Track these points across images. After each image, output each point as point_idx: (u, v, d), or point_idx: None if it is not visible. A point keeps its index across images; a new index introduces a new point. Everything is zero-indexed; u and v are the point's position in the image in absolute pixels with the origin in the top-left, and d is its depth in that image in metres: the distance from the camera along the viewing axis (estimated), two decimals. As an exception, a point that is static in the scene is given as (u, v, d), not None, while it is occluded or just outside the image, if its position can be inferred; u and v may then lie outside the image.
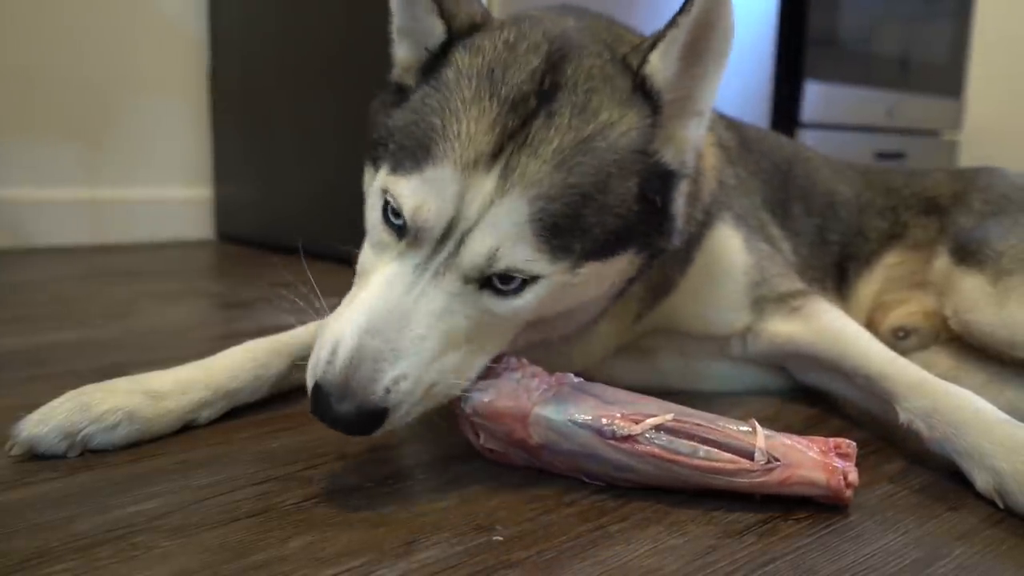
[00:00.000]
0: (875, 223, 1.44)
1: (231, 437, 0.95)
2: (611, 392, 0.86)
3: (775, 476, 0.79)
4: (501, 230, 0.78)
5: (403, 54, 0.93)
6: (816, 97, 2.84)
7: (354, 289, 0.86)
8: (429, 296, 0.79)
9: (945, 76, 3.49)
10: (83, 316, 1.57)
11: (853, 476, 0.80)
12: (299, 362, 1.08)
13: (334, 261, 2.39)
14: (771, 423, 1.08)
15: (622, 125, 0.84)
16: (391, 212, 0.82)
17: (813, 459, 0.80)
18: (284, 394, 1.09)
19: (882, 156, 3.19)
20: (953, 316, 1.24)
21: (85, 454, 0.87)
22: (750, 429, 0.82)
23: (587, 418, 0.82)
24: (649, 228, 0.89)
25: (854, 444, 0.82)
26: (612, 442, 0.81)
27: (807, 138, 2.82)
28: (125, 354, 1.30)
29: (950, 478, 0.90)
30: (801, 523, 0.79)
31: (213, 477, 0.84)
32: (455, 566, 0.69)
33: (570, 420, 0.82)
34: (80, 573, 0.65)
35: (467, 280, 0.80)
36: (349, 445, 0.94)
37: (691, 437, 0.81)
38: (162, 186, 2.63)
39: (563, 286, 0.84)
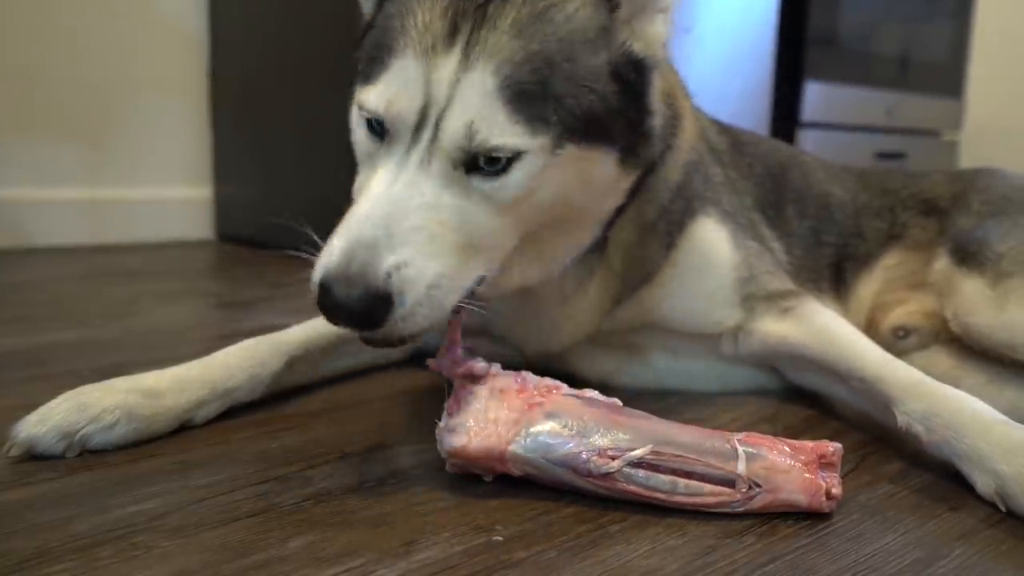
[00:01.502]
0: (873, 224, 1.44)
1: (230, 437, 0.95)
2: (586, 410, 0.82)
3: (756, 503, 0.78)
4: (473, 103, 0.80)
5: (367, 7, 0.96)
6: (816, 97, 2.84)
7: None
8: (419, 185, 0.80)
9: (945, 76, 3.49)
10: (83, 316, 1.57)
11: (836, 490, 0.80)
12: (296, 361, 1.09)
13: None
14: (769, 424, 1.09)
15: (576, 2, 0.86)
16: (373, 125, 0.84)
17: (794, 480, 0.79)
18: (283, 393, 1.09)
19: (882, 156, 3.19)
20: (953, 318, 1.24)
21: (84, 454, 0.87)
22: (732, 450, 0.79)
23: (561, 455, 0.79)
24: (628, 120, 0.90)
25: (840, 449, 0.81)
26: (590, 479, 0.80)
27: (807, 138, 2.82)
28: (125, 354, 1.30)
29: (950, 478, 0.90)
30: (801, 523, 0.79)
31: (213, 477, 0.84)
32: (455, 566, 0.69)
33: (545, 458, 0.80)
34: (80, 573, 0.65)
35: (454, 163, 0.81)
36: (349, 445, 0.94)
37: (670, 471, 0.79)
38: (162, 186, 2.63)
39: (547, 169, 0.84)
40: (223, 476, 0.84)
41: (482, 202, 0.83)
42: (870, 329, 1.35)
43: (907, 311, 1.34)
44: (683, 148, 1.12)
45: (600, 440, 0.79)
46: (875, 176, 1.53)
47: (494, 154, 0.81)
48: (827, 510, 0.80)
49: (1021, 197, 1.33)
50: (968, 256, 1.25)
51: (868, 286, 1.41)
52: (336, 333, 1.17)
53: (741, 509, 0.79)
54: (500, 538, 0.74)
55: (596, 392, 0.86)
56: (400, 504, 0.80)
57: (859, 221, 1.44)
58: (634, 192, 1.01)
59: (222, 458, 0.89)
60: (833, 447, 0.81)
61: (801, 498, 0.79)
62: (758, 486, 0.78)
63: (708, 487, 0.78)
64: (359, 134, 0.87)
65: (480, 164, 0.82)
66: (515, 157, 0.82)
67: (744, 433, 0.82)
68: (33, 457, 0.86)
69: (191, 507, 0.77)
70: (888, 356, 1.03)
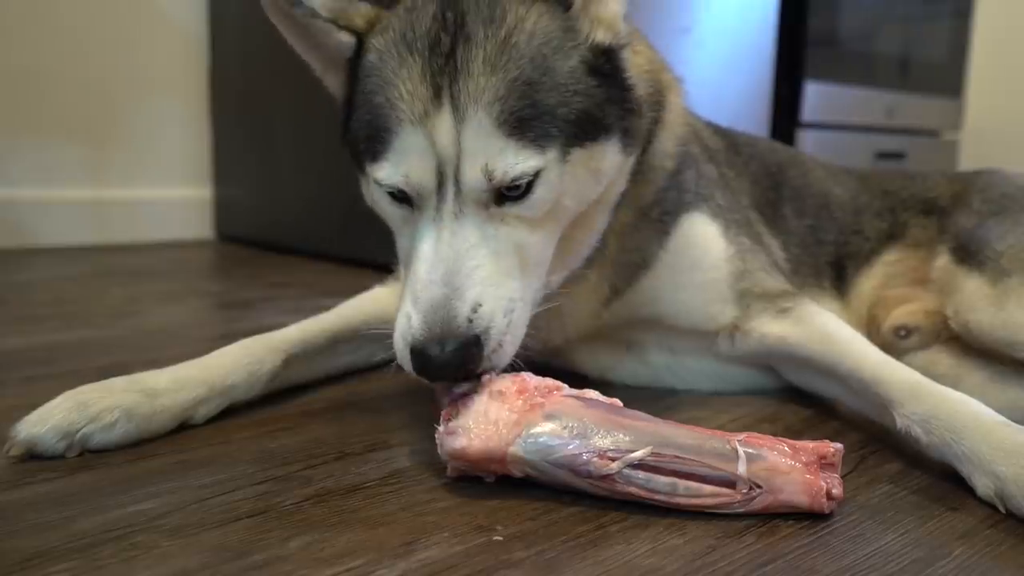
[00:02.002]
0: (874, 223, 1.44)
1: (230, 437, 0.95)
2: (587, 412, 0.82)
3: (757, 504, 0.78)
4: (480, 148, 0.84)
5: (332, 83, 1.02)
6: (816, 97, 2.84)
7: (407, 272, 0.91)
8: (461, 234, 0.86)
9: (945, 76, 3.49)
10: (84, 316, 1.58)
11: (837, 491, 0.80)
12: (293, 359, 1.09)
13: (333, 261, 2.40)
14: (770, 424, 1.09)
15: (532, 16, 0.89)
16: (395, 195, 0.89)
17: (795, 481, 0.78)
18: (282, 393, 1.09)
19: (882, 156, 3.19)
20: (954, 316, 1.24)
21: (84, 454, 0.87)
22: (732, 451, 0.79)
23: (561, 457, 0.79)
24: (616, 104, 0.94)
25: (841, 450, 0.81)
26: (589, 480, 0.80)
27: (807, 138, 2.82)
28: (125, 354, 1.30)
29: (950, 479, 0.90)
30: (801, 523, 0.79)
31: (213, 477, 0.84)
32: (455, 566, 0.69)
33: (545, 460, 0.80)
34: (80, 573, 0.65)
35: (484, 203, 0.86)
36: (349, 445, 0.94)
37: (670, 473, 0.79)
38: (163, 186, 2.63)
39: (563, 176, 0.90)
40: (223, 476, 0.84)
41: (518, 223, 0.89)
42: (871, 327, 1.35)
43: (908, 310, 1.34)
44: (674, 123, 1.14)
45: (600, 441, 0.79)
46: (876, 178, 1.53)
47: (515, 182, 0.86)
48: (828, 511, 0.80)
49: (1022, 196, 1.34)
50: (968, 254, 1.25)
51: (869, 281, 1.41)
52: (332, 331, 1.17)
53: (742, 510, 0.79)
54: (500, 538, 0.74)
55: (597, 393, 0.86)
56: (400, 504, 0.80)
57: (859, 220, 1.44)
58: (633, 175, 1.06)
59: (222, 458, 0.89)
60: (834, 447, 0.81)
61: (802, 499, 0.79)
62: (759, 487, 0.78)
63: (708, 488, 0.78)
64: (384, 205, 0.93)
65: (505, 192, 0.87)
66: (534, 176, 0.87)
67: (745, 434, 0.82)
68: (33, 457, 0.86)
69: (191, 507, 0.77)
70: (887, 358, 1.03)
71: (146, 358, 1.23)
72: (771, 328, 1.13)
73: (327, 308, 1.25)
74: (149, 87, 2.56)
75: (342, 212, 2.30)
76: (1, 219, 2.32)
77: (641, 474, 0.79)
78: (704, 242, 1.15)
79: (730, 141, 1.40)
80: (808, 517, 0.80)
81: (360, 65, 0.93)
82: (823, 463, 0.80)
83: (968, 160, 3.65)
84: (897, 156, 3.27)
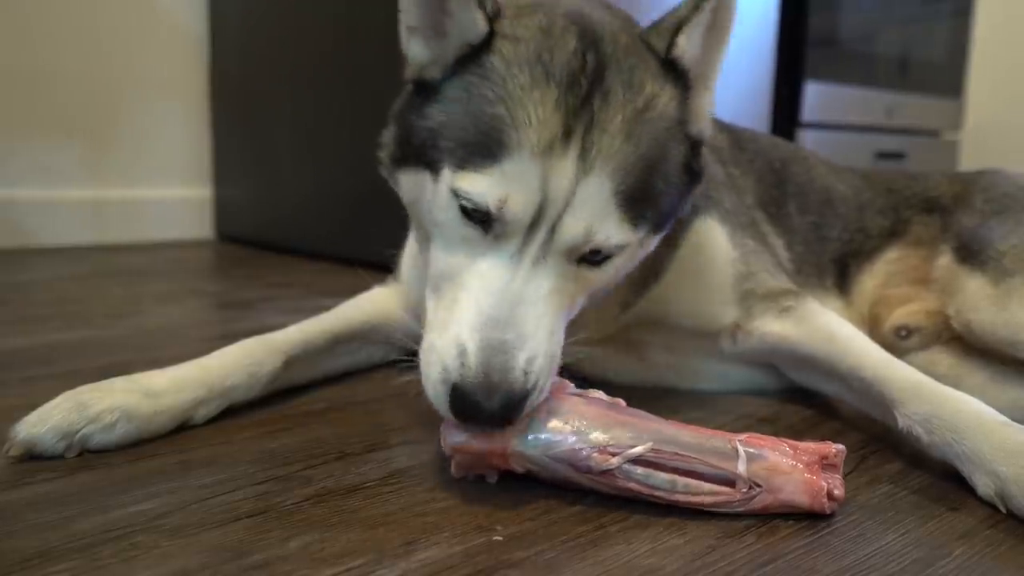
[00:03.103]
0: (877, 220, 1.44)
1: (231, 437, 0.95)
2: (589, 409, 0.82)
3: (756, 503, 0.78)
4: (591, 208, 0.81)
5: (418, 50, 0.92)
6: (816, 97, 2.84)
7: (442, 291, 0.85)
8: (536, 280, 0.82)
9: (945, 76, 3.49)
10: (84, 316, 1.58)
11: (839, 491, 0.80)
12: (294, 360, 1.09)
13: (332, 261, 2.40)
14: (770, 424, 1.09)
15: (664, 96, 0.88)
16: (469, 210, 0.82)
17: (796, 480, 0.78)
18: (282, 393, 1.09)
19: (882, 156, 3.19)
20: (955, 315, 1.24)
21: (84, 454, 0.87)
22: (733, 450, 0.79)
23: (561, 452, 0.80)
24: (689, 197, 0.95)
25: (843, 450, 0.81)
26: (589, 476, 0.80)
27: (807, 138, 2.82)
28: (125, 354, 1.30)
29: (950, 478, 0.90)
30: (801, 523, 0.79)
31: (213, 477, 0.84)
32: (455, 566, 0.69)
33: (546, 455, 0.80)
34: (80, 573, 0.65)
35: (566, 259, 0.84)
36: (349, 445, 0.94)
37: (670, 470, 0.79)
38: (162, 186, 2.63)
39: (635, 255, 0.92)
40: (223, 476, 0.84)
41: (584, 282, 0.87)
42: (872, 327, 1.35)
43: (909, 310, 1.34)
44: None
45: (600, 437, 0.80)
46: (879, 176, 1.53)
47: (605, 252, 0.85)
48: (828, 511, 0.80)
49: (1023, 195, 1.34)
50: (971, 254, 1.25)
51: (871, 279, 1.41)
52: (332, 332, 1.17)
53: (741, 509, 0.79)
54: (500, 538, 0.74)
55: (601, 392, 0.86)
56: (400, 504, 0.80)
57: (862, 216, 1.44)
58: None
59: (222, 458, 0.89)
60: (836, 448, 0.81)
61: (802, 499, 0.79)
62: (758, 486, 0.78)
63: (708, 486, 0.78)
64: (448, 215, 0.84)
65: (587, 255, 0.85)
66: (616, 250, 0.86)
67: (747, 434, 0.82)
68: (33, 457, 0.86)
69: (191, 507, 0.77)
70: (889, 357, 1.02)
71: (146, 358, 1.23)
72: (773, 327, 1.13)
73: (327, 308, 1.25)
74: (149, 87, 2.56)
75: (341, 212, 2.30)
76: (1, 219, 2.32)
77: (641, 470, 0.79)
78: (711, 247, 1.15)
79: (734, 137, 1.40)
80: (808, 517, 0.80)
81: (479, 61, 0.85)
82: (824, 464, 0.80)
83: (968, 160, 3.65)
84: (897, 156, 3.27)
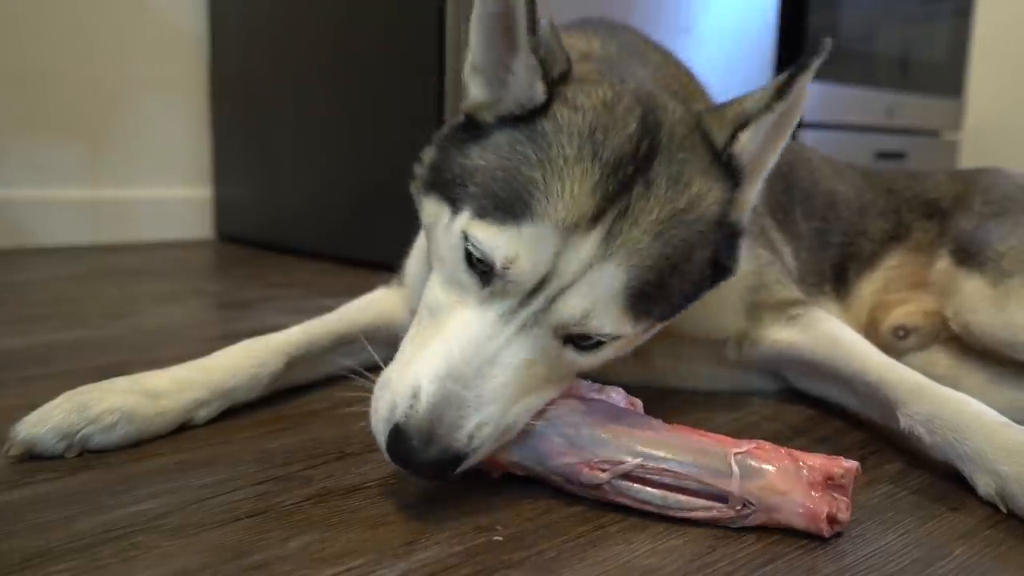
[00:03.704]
0: (877, 223, 1.44)
1: (231, 437, 0.95)
2: (585, 419, 0.82)
3: (751, 521, 0.77)
4: (597, 294, 0.78)
5: (478, 91, 0.89)
6: (816, 97, 2.84)
7: (423, 324, 0.84)
8: (515, 347, 0.78)
9: (945, 76, 3.49)
10: (83, 316, 1.57)
11: (843, 514, 0.76)
12: (295, 361, 1.09)
13: (333, 261, 2.40)
14: (770, 423, 1.09)
15: (709, 198, 0.85)
16: (474, 257, 0.80)
17: (793, 502, 0.75)
18: (283, 393, 1.09)
19: (882, 156, 3.19)
20: (954, 317, 1.24)
21: (84, 454, 0.87)
22: (728, 467, 0.77)
23: (553, 465, 0.80)
24: (712, 286, 0.91)
25: (853, 469, 0.77)
26: (582, 488, 0.80)
27: (807, 138, 2.82)
28: (125, 354, 1.30)
29: (950, 478, 0.90)
30: (801, 523, 0.79)
31: (213, 477, 0.84)
32: (455, 566, 0.69)
33: (541, 465, 0.81)
34: (80, 573, 0.65)
35: (554, 334, 0.80)
36: (349, 445, 0.94)
37: (661, 486, 0.78)
38: (162, 186, 2.63)
39: (630, 344, 0.88)
40: (223, 476, 0.84)
41: (568, 365, 0.84)
42: (870, 329, 1.35)
43: (907, 311, 1.34)
44: None
45: (592, 451, 0.79)
46: (879, 175, 1.53)
47: (594, 338, 0.82)
48: (827, 535, 0.76)
49: (1023, 197, 1.34)
50: (969, 256, 1.25)
51: (870, 285, 1.41)
52: (335, 333, 1.17)
53: (735, 526, 0.77)
54: (500, 538, 0.74)
55: (621, 391, 0.87)
56: (400, 504, 0.80)
57: (864, 220, 1.44)
58: None
59: (222, 458, 0.89)
60: (844, 467, 0.77)
61: (798, 521, 0.75)
62: (752, 505, 0.76)
63: (700, 502, 0.77)
64: (454, 256, 0.82)
65: (573, 336, 0.81)
66: (610, 339, 0.83)
67: (755, 443, 0.79)
68: (33, 457, 0.86)
69: (191, 507, 0.77)
70: (892, 360, 1.03)
71: (146, 358, 1.23)
72: (780, 335, 1.13)
73: (327, 308, 1.25)
74: (149, 86, 2.56)
75: (342, 212, 2.30)
76: (0, 219, 2.32)
77: (632, 485, 0.78)
78: None
79: None
80: (808, 517, 0.80)
81: (532, 122, 0.82)
82: (830, 483, 0.76)
83: (968, 160, 3.65)
84: (897, 156, 3.27)
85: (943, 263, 1.31)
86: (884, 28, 3.19)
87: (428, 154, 0.93)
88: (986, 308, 1.19)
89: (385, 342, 1.24)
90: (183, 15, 2.61)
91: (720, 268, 0.90)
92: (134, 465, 0.86)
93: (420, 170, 0.93)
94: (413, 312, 1.24)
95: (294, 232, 2.47)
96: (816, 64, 0.82)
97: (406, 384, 0.77)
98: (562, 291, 0.78)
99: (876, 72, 3.15)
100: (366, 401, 0.81)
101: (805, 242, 1.37)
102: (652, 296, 0.81)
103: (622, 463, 0.78)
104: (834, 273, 1.40)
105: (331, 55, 2.26)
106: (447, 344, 0.78)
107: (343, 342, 1.18)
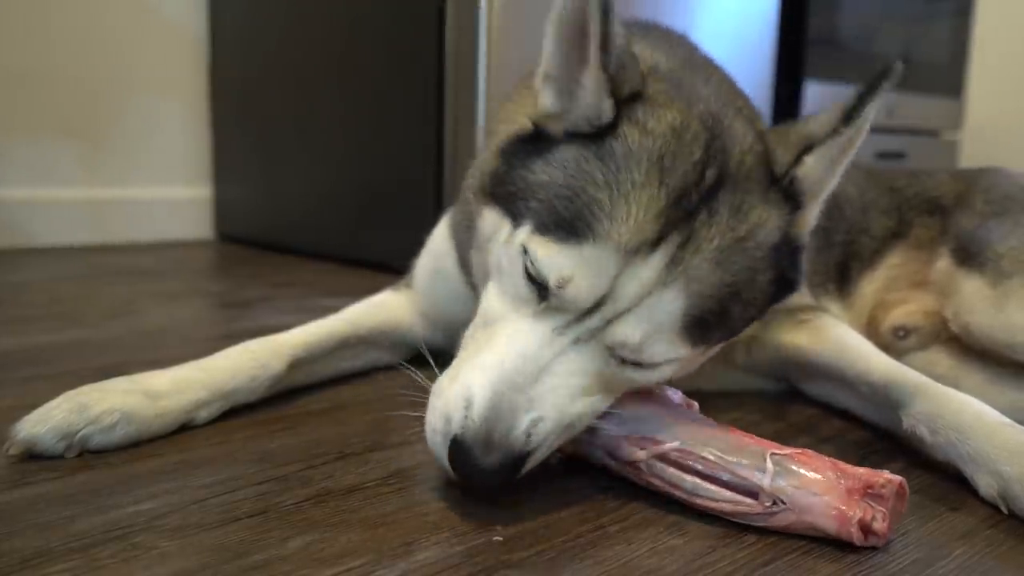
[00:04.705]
0: (880, 221, 1.44)
1: (230, 437, 0.95)
2: (638, 399, 0.85)
3: (779, 520, 0.76)
4: (656, 320, 0.78)
5: (548, 101, 0.86)
6: (816, 97, 2.84)
7: (477, 333, 0.84)
8: (569, 358, 0.78)
9: (945, 76, 3.49)
10: (83, 316, 1.57)
11: (879, 524, 0.73)
12: (297, 363, 1.09)
13: (333, 261, 2.40)
14: (772, 422, 1.09)
15: (768, 225, 0.83)
16: (532, 271, 0.79)
17: (825, 504, 0.74)
18: (284, 393, 1.09)
19: (882, 156, 3.19)
20: (953, 318, 1.24)
21: (84, 454, 0.87)
22: (763, 464, 0.77)
23: (599, 439, 0.84)
24: (778, 300, 0.89)
25: (895, 483, 0.75)
26: (620, 463, 0.83)
27: (807, 138, 2.82)
28: (125, 354, 1.30)
29: (950, 478, 0.90)
30: (801, 523, 0.79)
31: (213, 477, 0.84)
32: (455, 566, 0.69)
33: (588, 436, 0.84)
34: (80, 573, 0.65)
35: (611, 354, 0.80)
36: (349, 445, 0.94)
37: (694, 472, 0.79)
38: (162, 186, 2.63)
39: (694, 363, 0.88)
40: (223, 476, 0.84)
41: (624, 381, 0.83)
42: (870, 328, 1.35)
43: (907, 311, 1.34)
44: None
45: (634, 427, 0.82)
46: (882, 174, 1.53)
47: (647, 362, 0.81)
48: (858, 543, 0.74)
49: None
50: (969, 256, 1.25)
51: (872, 284, 1.41)
52: (339, 336, 1.17)
53: (763, 524, 0.77)
54: (500, 538, 0.74)
55: (679, 391, 0.89)
56: (400, 504, 0.80)
57: (867, 217, 1.43)
58: None
59: (222, 458, 0.89)
60: (884, 479, 0.75)
61: (829, 524, 0.74)
62: (782, 503, 0.75)
63: (728, 494, 0.77)
64: (513, 269, 0.81)
65: (627, 357, 0.81)
66: (669, 361, 0.82)
67: (800, 450, 0.79)
68: (33, 457, 0.85)
69: (191, 507, 0.77)
70: (895, 362, 1.03)
71: (146, 358, 1.23)
72: (787, 339, 1.13)
73: (328, 308, 1.24)
74: (149, 86, 2.56)
75: (342, 212, 2.30)
76: None
77: (667, 468, 0.80)
78: None
79: None
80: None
81: (601, 140, 0.81)
82: (869, 492, 0.75)
83: (968, 160, 3.65)
84: (897, 156, 3.27)
85: (943, 262, 1.31)
86: (884, 28, 3.19)
87: (488, 161, 0.91)
88: (985, 309, 1.19)
89: (390, 347, 1.24)
90: (183, 15, 2.61)
91: (785, 282, 0.88)
92: (134, 465, 0.86)
93: (478, 177, 0.92)
94: (422, 316, 1.25)
95: (294, 232, 2.47)
96: (887, 88, 0.81)
97: (458, 395, 0.77)
98: (619, 315, 0.77)
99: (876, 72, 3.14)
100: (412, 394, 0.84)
101: (812, 242, 1.36)
102: (711, 323, 0.80)
103: (661, 443, 0.80)
104: (837, 272, 1.40)
105: (331, 55, 2.26)
106: (500, 354, 0.78)
107: (346, 345, 1.18)
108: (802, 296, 1.17)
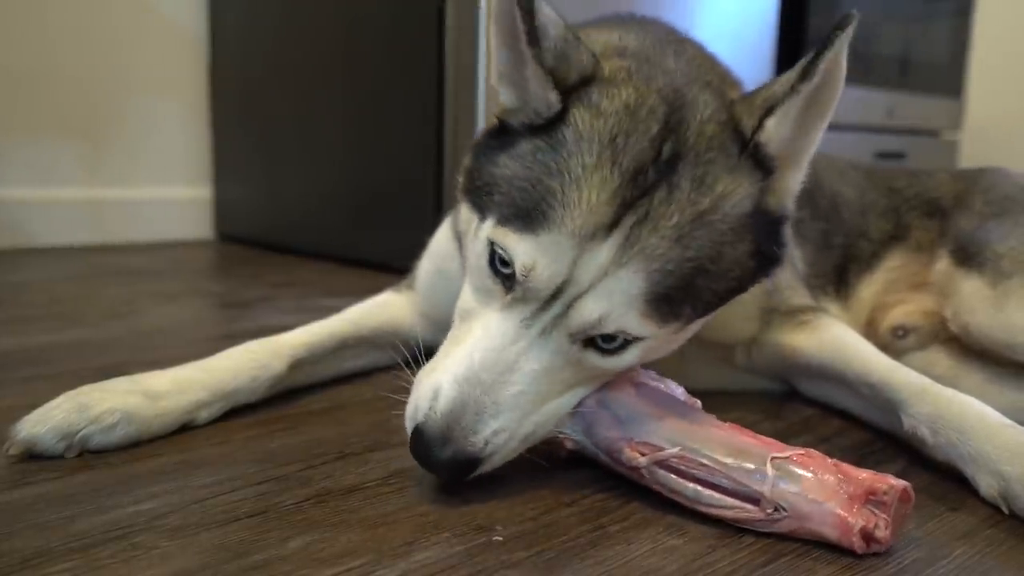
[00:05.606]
0: (878, 224, 1.43)
1: (231, 437, 0.95)
2: (637, 401, 0.85)
3: (782, 526, 0.75)
4: (613, 300, 0.78)
5: (505, 96, 0.87)
6: (816, 97, 2.84)
7: (454, 328, 0.87)
8: (534, 353, 0.80)
9: (945, 76, 3.49)
10: (83, 316, 1.57)
11: (882, 532, 0.73)
12: (298, 363, 1.09)
13: (334, 261, 2.40)
14: (772, 422, 1.09)
15: (736, 195, 0.82)
16: (499, 261, 0.81)
17: (826, 511, 0.73)
18: (284, 393, 1.09)
19: (882, 156, 3.19)
20: (953, 318, 1.24)
21: (84, 454, 0.87)
22: (764, 470, 0.76)
23: (600, 441, 0.84)
24: (763, 275, 0.89)
25: (898, 490, 0.73)
26: (622, 467, 0.83)
27: (807, 138, 2.82)
28: (125, 354, 1.30)
29: (950, 478, 0.90)
30: (801, 523, 0.79)
31: (213, 477, 0.84)
32: (455, 566, 0.69)
33: (589, 437, 0.85)
34: (80, 573, 0.65)
35: (572, 339, 0.80)
36: (349, 445, 0.94)
37: (694, 479, 0.79)
38: (162, 186, 2.63)
39: (667, 342, 0.87)
40: (223, 476, 0.84)
41: (591, 369, 0.84)
42: (869, 329, 1.35)
43: (906, 311, 1.34)
44: None
45: (637, 433, 0.82)
46: (881, 174, 1.52)
47: (618, 339, 0.81)
48: (859, 551, 0.73)
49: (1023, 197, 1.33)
50: (969, 256, 1.25)
51: (870, 287, 1.41)
52: (340, 336, 1.17)
53: (765, 530, 0.76)
54: (500, 538, 0.74)
55: (682, 387, 0.88)
56: (400, 504, 0.80)
57: (865, 220, 1.43)
58: None
59: (222, 458, 0.89)
60: (888, 485, 0.73)
61: (830, 532, 0.74)
62: (784, 511, 0.75)
63: (730, 501, 0.77)
64: (480, 262, 0.83)
65: (597, 341, 0.81)
66: (635, 340, 0.82)
67: (804, 450, 0.78)
68: (33, 457, 0.86)
69: (191, 507, 0.77)
70: (895, 363, 1.03)
71: (145, 358, 1.23)
72: (787, 340, 1.13)
73: (328, 308, 1.24)
74: (149, 86, 2.56)
75: (342, 212, 2.30)
76: None
77: (669, 475, 0.80)
78: None
79: None
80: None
81: (552, 129, 0.81)
82: (872, 499, 0.74)
83: (968, 160, 3.65)
84: (897, 156, 3.27)
85: (943, 263, 1.31)
86: (884, 28, 3.19)
87: (466, 159, 0.92)
88: (985, 309, 1.19)
89: (390, 347, 1.24)
90: (183, 15, 2.61)
91: (765, 257, 0.87)
92: (134, 465, 0.86)
93: (460, 176, 0.93)
94: (423, 317, 1.25)
95: (294, 232, 2.47)
96: (843, 38, 0.79)
97: (428, 387, 0.80)
98: (579, 297, 0.78)
99: (876, 72, 3.15)
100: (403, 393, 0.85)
101: (811, 244, 1.36)
102: (677, 298, 0.80)
103: (661, 450, 0.80)
104: (836, 274, 1.40)
105: (331, 55, 2.26)
106: (469, 349, 0.80)
107: (347, 346, 1.18)
108: (802, 297, 1.17)
